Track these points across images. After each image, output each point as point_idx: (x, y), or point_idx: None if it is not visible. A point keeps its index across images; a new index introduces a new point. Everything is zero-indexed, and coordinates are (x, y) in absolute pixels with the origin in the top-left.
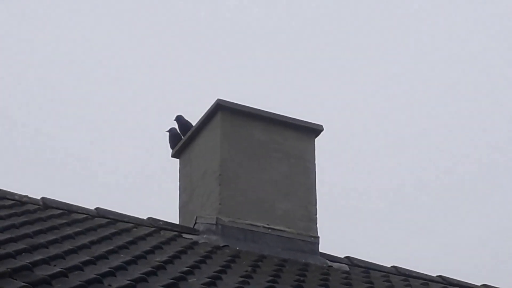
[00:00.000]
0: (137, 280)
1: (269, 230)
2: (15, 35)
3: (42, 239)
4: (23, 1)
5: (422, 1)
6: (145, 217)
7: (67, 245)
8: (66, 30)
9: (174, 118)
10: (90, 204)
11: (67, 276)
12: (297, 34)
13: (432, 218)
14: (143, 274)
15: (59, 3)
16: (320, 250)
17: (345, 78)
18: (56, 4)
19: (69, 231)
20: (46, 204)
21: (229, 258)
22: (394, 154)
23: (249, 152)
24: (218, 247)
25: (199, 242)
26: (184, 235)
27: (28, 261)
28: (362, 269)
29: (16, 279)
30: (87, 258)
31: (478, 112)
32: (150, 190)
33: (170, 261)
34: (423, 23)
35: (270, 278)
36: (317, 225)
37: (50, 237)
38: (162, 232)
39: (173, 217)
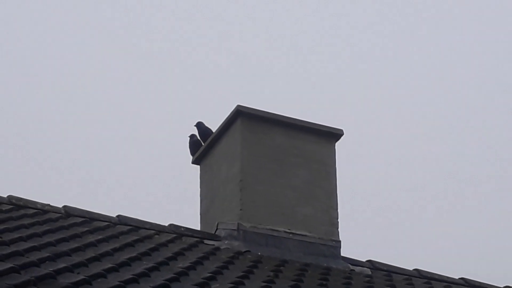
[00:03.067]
0: (161, 287)
1: (291, 235)
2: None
3: (65, 247)
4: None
5: None
6: (166, 224)
7: (90, 253)
8: (84, 37)
9: (194, 124)
10: (111, 211)
11: (90, 284)
12: (315, 38)
13: (454, 221)
14: (166, 280)
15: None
16: (342, 254)
17: (364, 79)
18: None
19: (91, 238)
20: (68, 212)
21: (251, 263)
22: (415, 157)
23: (269, 158)
24: (240, 253)
25: (221, 248)
26: (206, 241)
27: (51, 269)
28: (384, 273)
29: (40, 287)
30: (110, 265)
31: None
32: (171, 196)
33: (192, 267)
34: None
35: (293, 283)
36: (339, 229)
37: (73, 245)
38: (183, 239)
39: (195, 223)
